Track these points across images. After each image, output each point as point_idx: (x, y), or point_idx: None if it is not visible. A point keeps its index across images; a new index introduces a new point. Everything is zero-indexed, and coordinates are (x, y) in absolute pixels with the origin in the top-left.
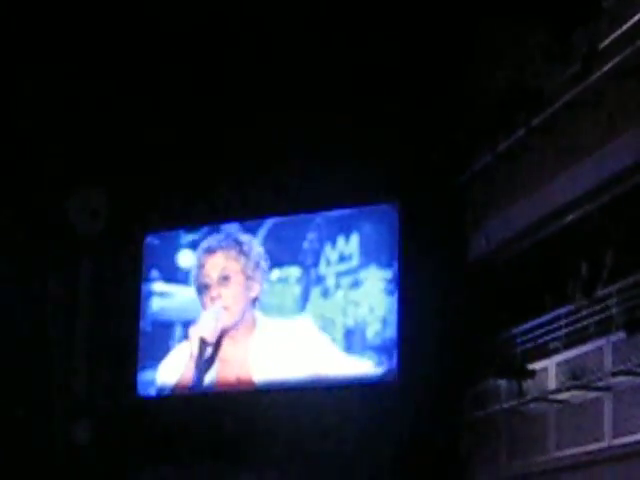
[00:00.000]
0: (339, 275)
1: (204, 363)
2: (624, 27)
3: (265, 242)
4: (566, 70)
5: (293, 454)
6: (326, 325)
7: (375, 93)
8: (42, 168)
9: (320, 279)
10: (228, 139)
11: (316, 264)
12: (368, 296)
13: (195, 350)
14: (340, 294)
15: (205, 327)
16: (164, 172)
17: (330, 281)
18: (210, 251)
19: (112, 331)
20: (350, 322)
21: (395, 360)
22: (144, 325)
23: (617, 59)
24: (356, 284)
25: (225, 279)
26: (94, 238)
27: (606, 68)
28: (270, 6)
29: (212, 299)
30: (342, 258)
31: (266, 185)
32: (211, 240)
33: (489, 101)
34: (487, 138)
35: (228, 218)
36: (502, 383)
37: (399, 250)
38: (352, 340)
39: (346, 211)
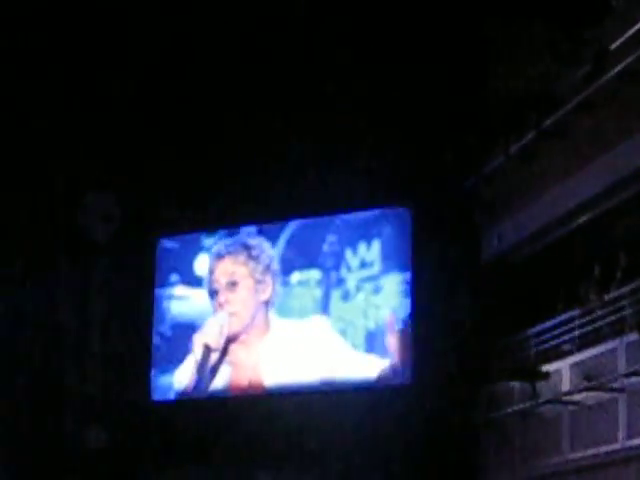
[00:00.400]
0: (361, 281)
1: (210, 369)
2: (635, 28)
3: (287, 245)
4: (577, 71)
5: (306, 457)
6: (347, 327)
7: (387, 97)
8: (55, 172)
9: (341, 282)
10: (247, 143)
11: (336, 267)
12: (389, 299)
13: (198, 356)
14: (361, 297)
15: (209, 334)
16: (182, 175)
17: (351, 284)
18: (219, 256)
19: (125, 335)
20: (371, 325)
21: (409, 362)
22: (164, 329)
23: (628, 60)
24: (377, 289)
25: (233, 284)
26: (107, 242)
27: (617, 69)
28: (279, 6)
29: (220, 305)
30: (363, 264)
31: (281, 188)
32: (220, 245)
33: (501, 103)
34: (499, 140)
35: (246, 221)
36: (516, 385)
37: (412, 253)
38: (373, 343)
39: (366, 214)
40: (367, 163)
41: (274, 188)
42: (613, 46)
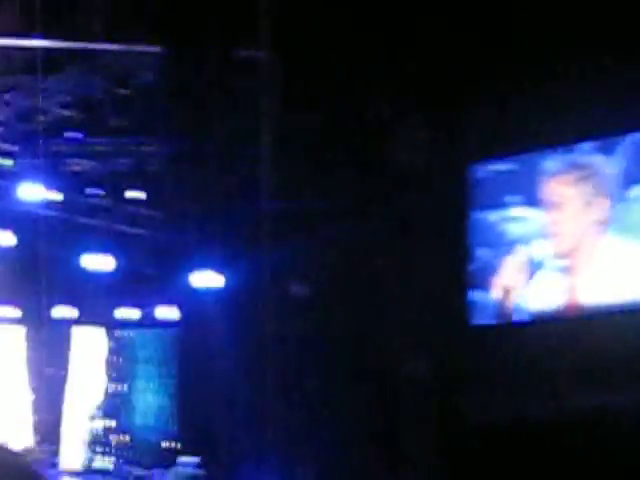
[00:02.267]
0: None
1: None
2: None
3: (627, 158)
4: None
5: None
6: None
7: None
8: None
9: None
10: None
11: None
12: None
13: (498, 296)
14: None
15: (505, 275)
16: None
17: None
18: (549, 176)
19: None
20: None
21: None
22: (497, 252)
23: None
24: None
25: (556, 206)
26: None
27: None
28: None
29: (545, 226)
30: None
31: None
32: (553, 164)
33: None
34: None
35: (584, 137)
36: None
37: None
38: None
39: None
40: None
41: (613, 101)
42: None
